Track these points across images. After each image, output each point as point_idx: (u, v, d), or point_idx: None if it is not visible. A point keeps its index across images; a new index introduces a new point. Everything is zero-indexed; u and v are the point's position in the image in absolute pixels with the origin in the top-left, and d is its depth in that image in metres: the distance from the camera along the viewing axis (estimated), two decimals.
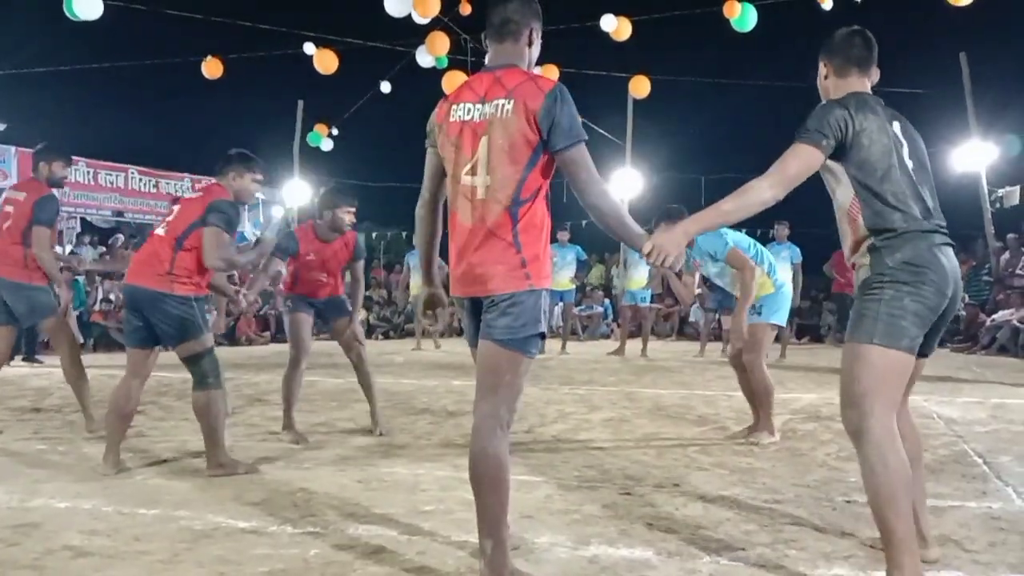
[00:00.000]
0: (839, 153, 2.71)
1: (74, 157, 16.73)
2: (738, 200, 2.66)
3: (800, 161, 2.66)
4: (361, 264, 5.68)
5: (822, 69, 2.97)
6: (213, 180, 4.46)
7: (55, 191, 5.56)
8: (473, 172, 2.69)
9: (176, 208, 4.45)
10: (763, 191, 2.64)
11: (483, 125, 2.68)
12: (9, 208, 5.47)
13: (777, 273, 5.48)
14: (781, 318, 5.51)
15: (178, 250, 4.24)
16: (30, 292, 5.35)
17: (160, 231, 4.39)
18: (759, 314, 5.35)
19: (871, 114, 2.74)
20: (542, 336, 2.71)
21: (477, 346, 2.77)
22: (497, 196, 2.65)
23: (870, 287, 2.67)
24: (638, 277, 12.25)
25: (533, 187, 2.67)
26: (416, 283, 12.68)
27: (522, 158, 2.64)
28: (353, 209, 5.41)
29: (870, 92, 2.88)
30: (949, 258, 2.69)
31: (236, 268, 4.53)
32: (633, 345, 12.47)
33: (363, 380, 5.62)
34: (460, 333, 16.75)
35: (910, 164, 2.74)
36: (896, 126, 2.78)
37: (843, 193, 2.76)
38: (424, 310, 3.14)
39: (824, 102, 2.83)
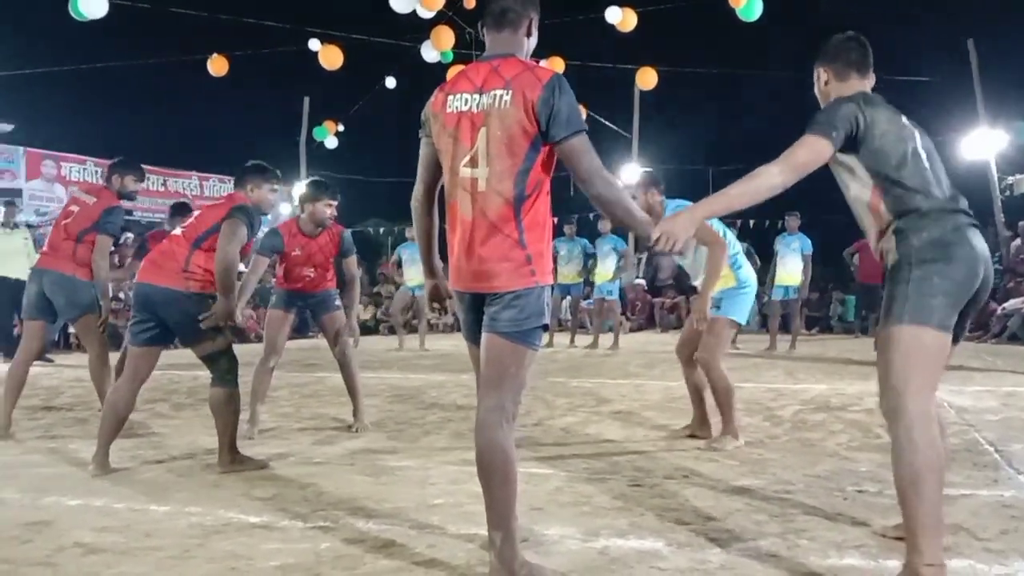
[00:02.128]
0: (851, 146, 2.69)
1: (81, 156, 16.60)
2: (747, 184, 2.63)
3: (809, 150, 2.65)
4: (352, 260, 5.64)
5: (821, 75, 2.96)
6: (230, 188, 4.56)
7: (124, 204, 5.72)
8: (473, 164, 2.65)
9: (196, 213, 4.53)
10: (773, 176, 2.62)
11: (481, 116, 2.64)
12: (74, 208, 5.63)
13: (743, 269, 5.06)
14: (742, 316, 5.08)
15: (195, 249, 4.27)
16: (73, 285, 5.44)
17: (177, 231, 4.43)
18: (718, 307, 4.93)
19: (880, 107, 2.74)
20: (544, 328, 2.71)
21: (477, 342, 2.76)
22: (498, 189, 2.62)
23: (899, 270, 2.63)
24: (604, 271, 12.23)
25: (535, 182, 2.64)
26: (411, 275, 12.37)
27: (521, 151, 2.60)
28: (334, 202, 5.39)
29: (870, 92, 2.88)
30: (978, 239, 2.65)
31: (231, 272, 4.22)
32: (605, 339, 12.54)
33: (347, 378, 5.61)
34: (446, 330, 16.81)
35: (923, 153, 2.73)
36: (905, 120, 2.77)
37: (859, 187, 2.74)
38: (430, 302, 3.14)
39: (833, 99, 2.81)
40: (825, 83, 2.95)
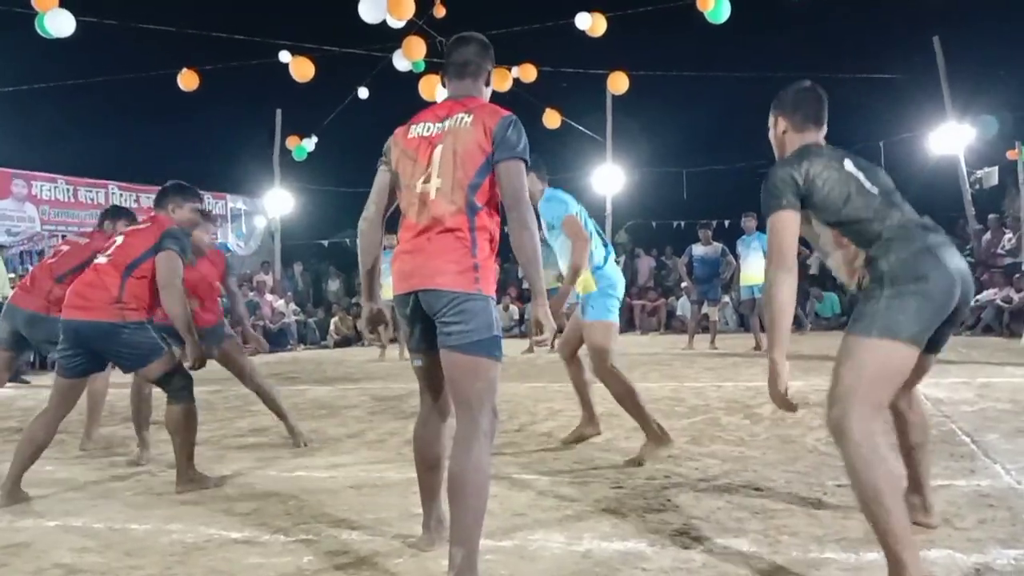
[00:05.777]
0: (803, 203, 2.76)
1: (52, 175, 16.41)
2: (777, 307, 2.70)
3: (780, 232, 2.73)
4: (233, 280, 5.66)
5: (780, 123, 3.01)
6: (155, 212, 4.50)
7: None
8: (427, 180, 2.79)
9: (120, 239, 4.37)
10: (783, 283, 2.69)
11: (440, 136, 2.82)
12: (64, 248, 5.67)
13: (603, 270, 4.73)
14: (613, 314, 4.78)
15: (127, 278, 4.16)
16: (47, 323, 5.35)
17: (102, 260, 4.27)
18: (585, 314, 4.74)
19: (815, 158, 2.80)
20: (498, 339, 2.74)
21: (420, 350, 2.89)
22: (451, 196, 2.74)
23: (871, 291, 2.63)
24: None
25: (485, 198, 2.76)
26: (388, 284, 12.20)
27: (474, 165, 2.75)
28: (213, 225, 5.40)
29: (822, 143, 2.95)
30: (951, 256, 2.62)
31: (185, 310, 4.21)
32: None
33: (269, 403, 5.46)
34: None
35: (874, 190, 2.76)
36: (847, 163, 2.82)
37: (820, 229, 2.80)
38: (368, 326, 3.19)
39: (771, 169, 2.86)
40: (783, 132, 3.01)
